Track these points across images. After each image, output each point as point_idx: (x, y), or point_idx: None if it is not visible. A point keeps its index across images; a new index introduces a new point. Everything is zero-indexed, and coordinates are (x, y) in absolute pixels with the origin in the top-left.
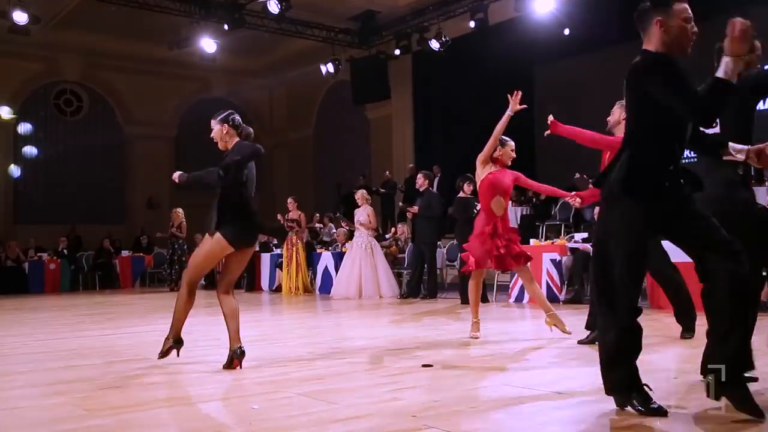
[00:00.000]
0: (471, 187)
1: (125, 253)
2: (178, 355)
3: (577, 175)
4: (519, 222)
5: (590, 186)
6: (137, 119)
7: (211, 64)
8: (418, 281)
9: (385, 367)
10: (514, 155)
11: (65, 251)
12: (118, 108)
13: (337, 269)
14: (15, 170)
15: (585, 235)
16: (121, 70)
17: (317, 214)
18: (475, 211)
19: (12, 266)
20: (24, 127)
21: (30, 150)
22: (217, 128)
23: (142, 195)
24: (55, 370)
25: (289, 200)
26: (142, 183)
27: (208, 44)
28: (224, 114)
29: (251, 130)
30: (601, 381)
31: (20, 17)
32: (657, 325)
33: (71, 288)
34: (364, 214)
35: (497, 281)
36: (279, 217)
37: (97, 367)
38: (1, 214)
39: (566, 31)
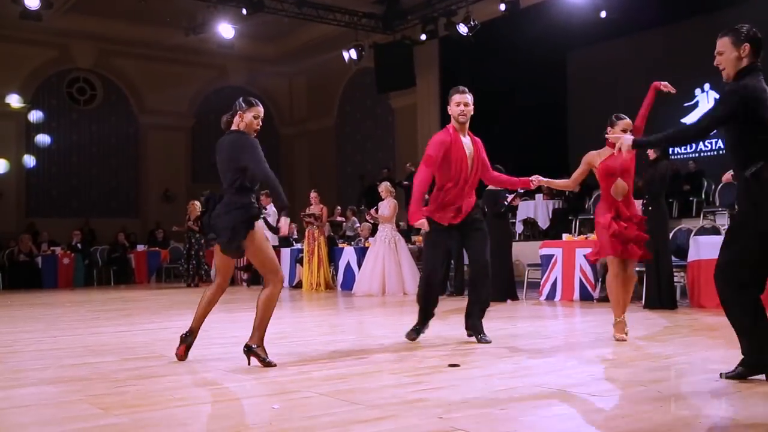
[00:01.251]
0: None
1: (140, 247)
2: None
3: None
4: (551, 216)
5: None
6: (152, 108)
7: (229, 51)
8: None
9: (410, 367)
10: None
11: (79, 245)
12: (133, 97)
13: (359, 265)
14: (29, 160)
15: None
16: (135, 57)
17: (338, 208)
18: (505, 203)
19: (25, 260)
20: (36, 116)
21: (43, 139)
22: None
23: (157, 187)
24: (69, 368)
25: (312, 194)
26: (157, 175)
27: (225, 30)
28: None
29: (225, 118)
30: (636, 381)
31: (32, 2)
32: (696, 324)
33: (85, 283)
34: (387, 207)
35: (527, 278)
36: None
37: (113, 364)
38: (13, 207)
39: (602, 14)
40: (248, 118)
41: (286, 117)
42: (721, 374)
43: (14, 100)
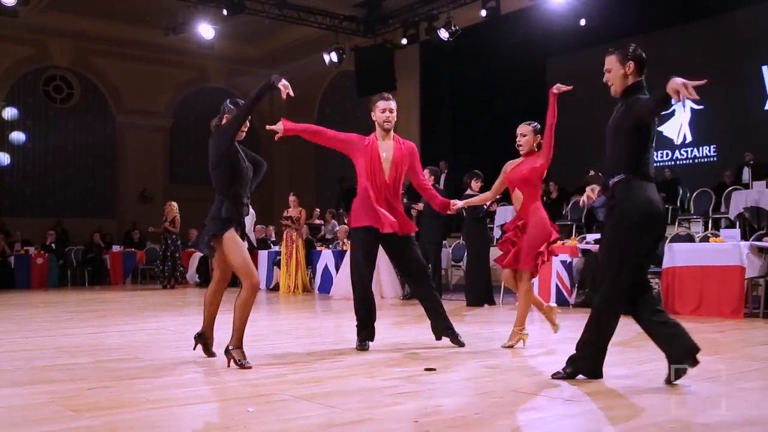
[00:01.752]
0: (479, 184)
1: (116, 248)
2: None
3: (591, 172)
4: None
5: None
6: (130, 108)
7: (209, 52)
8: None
9: (385, 371)
10: (518, 140)
11: (53, 245)
12: (111, 96)
13: (337, 268)
14: (2, 158)
15: (597, 236)
16: (113, 57)
17: (317, 210)
18: (483, 207)
19: None
20: (11, 114)
21: (17, 136)
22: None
23: (134, 187)
24: (41, 369)
25: (291, 197)
26: (134, 175)
27: (205, 30)
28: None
29: (213, 122)
30: (611, 386)
31: None
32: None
33: (59, 284)
34: None
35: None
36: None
37: (85, 366)
38: None
39: (582, 22)
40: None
41: (266, 118)
42: (552, 375)
43: None
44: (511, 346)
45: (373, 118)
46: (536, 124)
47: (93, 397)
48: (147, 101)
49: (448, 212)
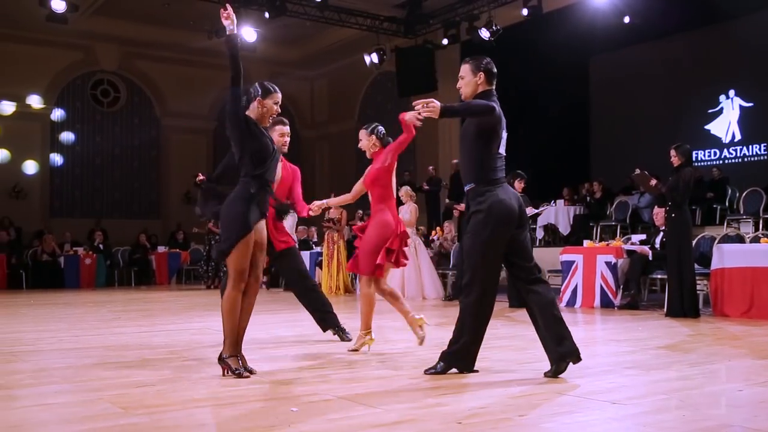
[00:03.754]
0: (522, 185)
1: (161, 248)
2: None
3: (637, 171)
4: (572, 222)
5: (654, 183)
6: (175, 111)
7: (251, 54)
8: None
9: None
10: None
11: (101, 246)
12: (156, 99)
13: None
14: (56, 158)
15: (643, 236)
16: (158, 60)
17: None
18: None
19: (48, 260)
20: (60, 118)
21: (67, 136)
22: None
23: (178, 189)
24: (90, 367)
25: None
26: (179, 176)
27: (248, 33)
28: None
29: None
30: (658, 389)
31: (58, 5)
32: (720, 333)
33: (106, 283)
34: (408, 211)
35: None
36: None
37: (133, 364)
38: (37, 207)
39: (626, 19)
40: (269, 104)
41: (307, 120)
42: (426, 370)
43: (35, 101)
44: (356, 350)
45: None
46: (374, 126)
47: (140, 395)
48: (191, 104)
49: (311, 213)
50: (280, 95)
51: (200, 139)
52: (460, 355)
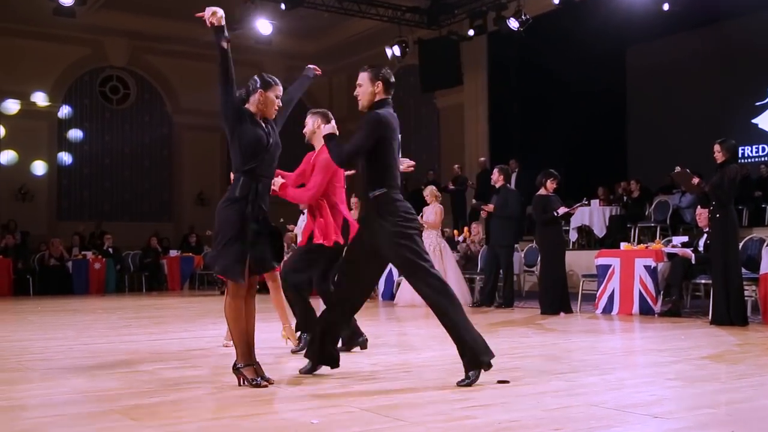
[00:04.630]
0: (554, 184)
1: (173, 252)
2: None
3: (678, 169)
4: (608, 223)
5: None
6: (187, 107)
7: (266, 48)
8: (493, 288)
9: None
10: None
11: (110, 250)
12: (167, 95)
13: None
14: (64, 157)
15: (685, 238)
16: (169, 55)
17: None
18: (556, 214)
19: (56, 265)
20: (67, 115)
21: (75, 134)
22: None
23: (191, 189)
24: (101, 377)
25: (354, 200)
26: (191, 177)
27: (263, 26)
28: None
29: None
30: (703, 403)
31: None
32: None
33: (117, 289)
34: (433, 212)
35: (582, 289)
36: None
37: (145, 374)
38: (44, 209)
39: (665, 7)
40: (270, 98)
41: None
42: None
43: (40, 99)
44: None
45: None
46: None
47: (153, 406)
48: (204, 100)
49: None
50: (281, 88)
51: (214, 137)
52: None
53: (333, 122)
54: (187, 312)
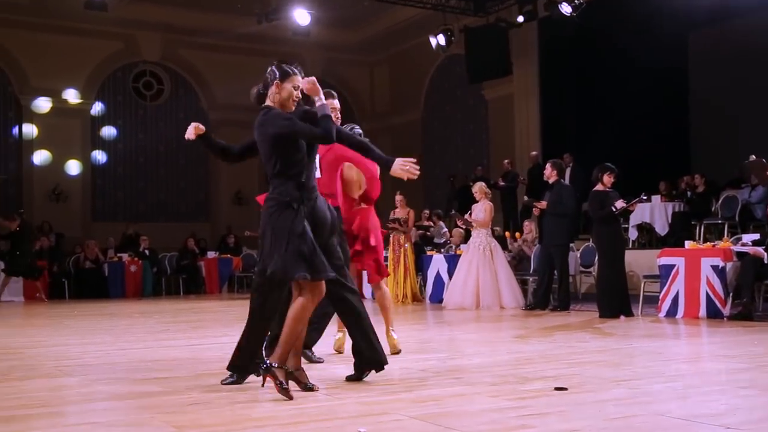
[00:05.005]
0: (611, 179)
1: (211, 254)
2: None
3: (752, 157)
4: (671, 220)
5: None
6: (223, 103)
7: (304, 39)
8: (547, 290)
9: (510, 389)
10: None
11: (147, 251)
12: (202, 90)
13: (450, 274)
14: (99, 156)
15: (756, 236)
16: (204, 48)
17: (426, 211)
18: (614, 208)
19: (91, 267)
20: (100, 113)
21: (108, 131)
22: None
23: (229, 188)
24: (140, 382)
25: (398, 197)
26: (229, 175)
27: (301, 16)
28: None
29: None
30: None
31: None
32: None
33: (153, 292)
34: (483, 210)
35: (644, 291)
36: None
37: (185, 380)
38: (78, 210)
39: None
40: (287, 89)
41: (367, 110)
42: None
43: (72, 96)
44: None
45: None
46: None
47: (194, 413)
48: (240, 95)
49: None
50: (300, 78)
51: (251, 132)
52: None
53: (336, 101)
54: (226, 316)
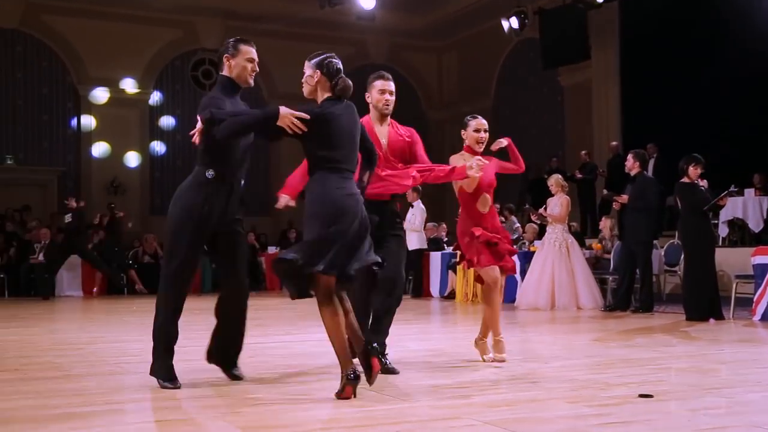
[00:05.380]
0: (698, 171)
1: (272, 249)
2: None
3: None
4: (766, 216)
5: None
6: (284, 91)
7: (369, 24)
8: (628, 290)
9: (590, 395)
10: (485, 136)
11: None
12: (263, 79)
13: (523, 273)
14: (157, 147)
15: None
16: (265, 35)
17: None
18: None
19: (150, 262)
20: (158, 103)
21: (167, 121)
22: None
23: None
24: (201, 382)
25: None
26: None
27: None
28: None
29: (349, 82)
30: None
31: None
32: None
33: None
34: (559, 204)
35: (736, 292)
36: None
37: (248, 379)
38: (137, 203)
39: None
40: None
41: (435, 99)
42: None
43: (129, 85)
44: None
45: (368, 100)
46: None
47: (259, 414)
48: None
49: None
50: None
51: None
52: None
53: (390, 83)
54: (288, 313)
